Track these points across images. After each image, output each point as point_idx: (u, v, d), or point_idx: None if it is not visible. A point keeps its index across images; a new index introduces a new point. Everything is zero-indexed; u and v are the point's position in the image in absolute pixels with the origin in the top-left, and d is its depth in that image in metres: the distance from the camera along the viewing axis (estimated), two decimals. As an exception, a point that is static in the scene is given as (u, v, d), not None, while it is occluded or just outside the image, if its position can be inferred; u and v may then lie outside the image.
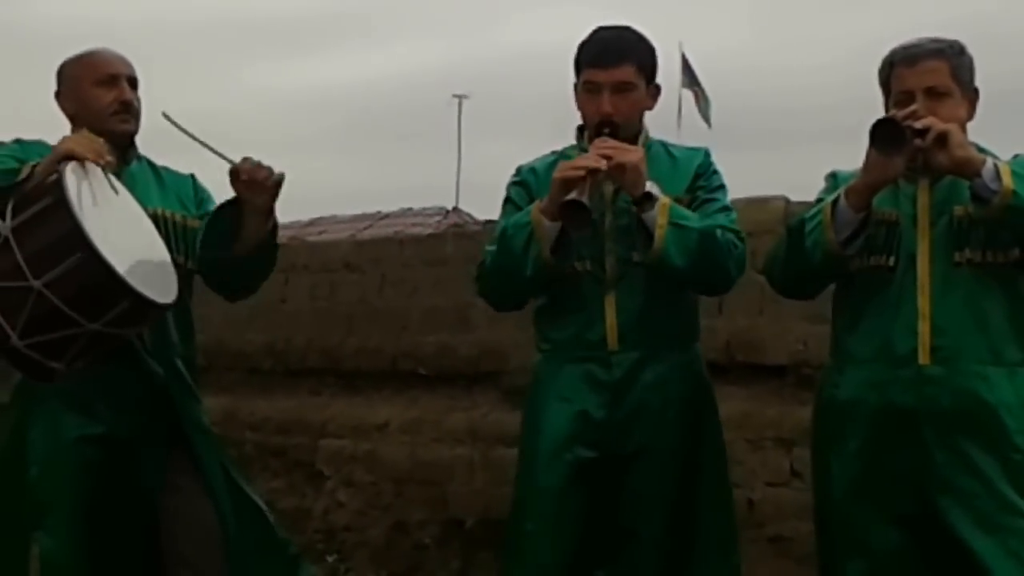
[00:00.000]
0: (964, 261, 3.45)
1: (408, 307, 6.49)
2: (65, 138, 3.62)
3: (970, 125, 3.56)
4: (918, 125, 3.35)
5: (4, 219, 3.39)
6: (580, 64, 3.76)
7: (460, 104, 30.51)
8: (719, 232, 3.64)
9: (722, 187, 3.80)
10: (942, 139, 3.32)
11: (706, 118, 28.55)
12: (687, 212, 3.65)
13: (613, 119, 3.67)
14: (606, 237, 3.69)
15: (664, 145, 3.83)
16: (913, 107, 3.41)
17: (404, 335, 6.51)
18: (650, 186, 3.60)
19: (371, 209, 11.52)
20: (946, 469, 3.41)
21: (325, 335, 6.76)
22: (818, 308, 5.50)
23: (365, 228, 10.51)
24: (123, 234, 3.50)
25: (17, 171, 3.48)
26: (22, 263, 3.35)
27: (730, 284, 3.83)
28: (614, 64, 3.70)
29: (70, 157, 3.47)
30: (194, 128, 3.70)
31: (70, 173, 3.41)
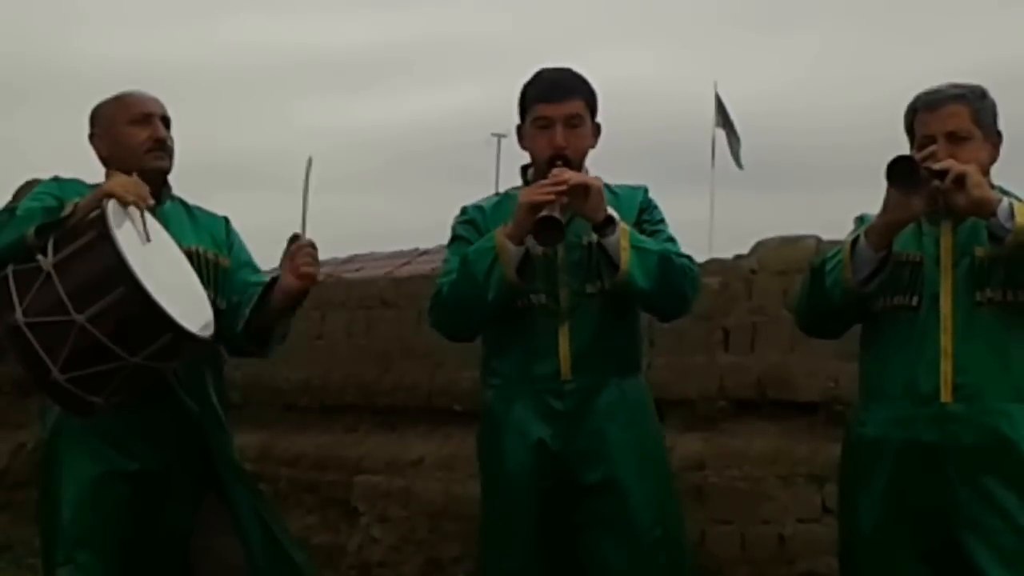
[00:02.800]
0: (986, 301, 3.49)
1: (444, 344, 6.45)
2: (109, 180, 3.69)
3: (996, 167, 3.61)
4: (936, 167, 3.40)
5: (46, 255, 3.45)
6: (528, 102, 3.84)
7: (499, 143, 30.66)
8: (675, 256, 3.76)
9: (663, 220, 3.90)
10: (960, 180, 3.37)
11: (736, 159, 28.62)
12: (644, 237, 3.76)
13: (565, 153, 3.75)
14: (559, 270, 3.76)
15: (605, 184, 3.86)
16: (932, 148, 3.47)
17: (439, 372, 6.56)
18: (610, 210, 3.70)
19: (409, 246, 11.58)
20: (969, 506, 3.44)
21: (361, 371, 6.81)
22: (849, 345, 5.50)
23: (402, 265, 10.54)
24: (162, 270, 3.55)
25: (59, 208, 3.54)
26: (64, 298, 3.39)
27: (687, 307, 3.93)
28: (565, 98, 3.80)
29: (112, 197, 3.53)
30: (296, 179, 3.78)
31: (112, 209, 3.48)
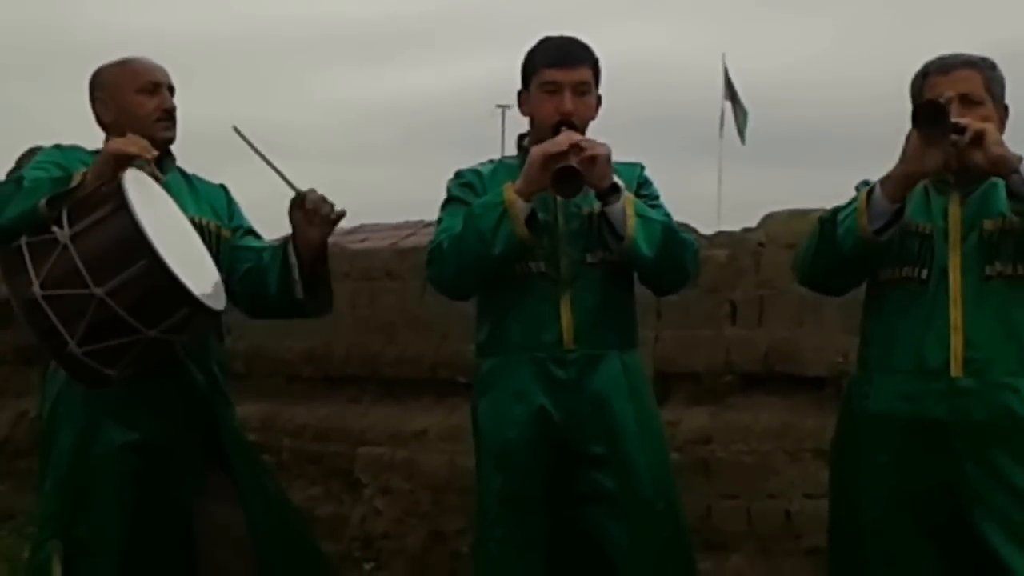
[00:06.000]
0: (995, 274, 3.44)
1: (448, 316, 6.47)
2: (113, 143, 3.64)
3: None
4: (958, 120, 3.35)
5: (61, 227, 3.40)
6: (535, 67, 3.80)
7: (503, 115, 30.62)
8: (677, 228, 3.78)
9: (659, 197, 3.89)
10: (979, 137, 3.32)
11: (741, 134, 28.55)
12: (647, 207, 3.74)
13: (572, 119, 3.72)
14: (559, 239, 3.75)
15: None
16: (950, 95, 3.43)
17: (444, 344, 6.51)
18: (615, 178, 3.67)
19: (414, 218, 11.52)
20: (977, 482, 3.40)
21: (365, 343, 6.76)
22: (858, 320, 5.49)
23: (407, 236, 10.47)
24: (175, 242, 3.52)
25: (67, 178, 3.50)
26: (83, 270, 3.35)
27: (687, 279, 3.92)
28: (576, 64, 3.77)
29: (120, 157, 3.48)
30: (259, 143, 3.73)
31: (128, 180, 3.43)
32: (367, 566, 6.20)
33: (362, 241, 9.83)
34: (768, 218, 6.02)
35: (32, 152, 8.18)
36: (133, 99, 3.84)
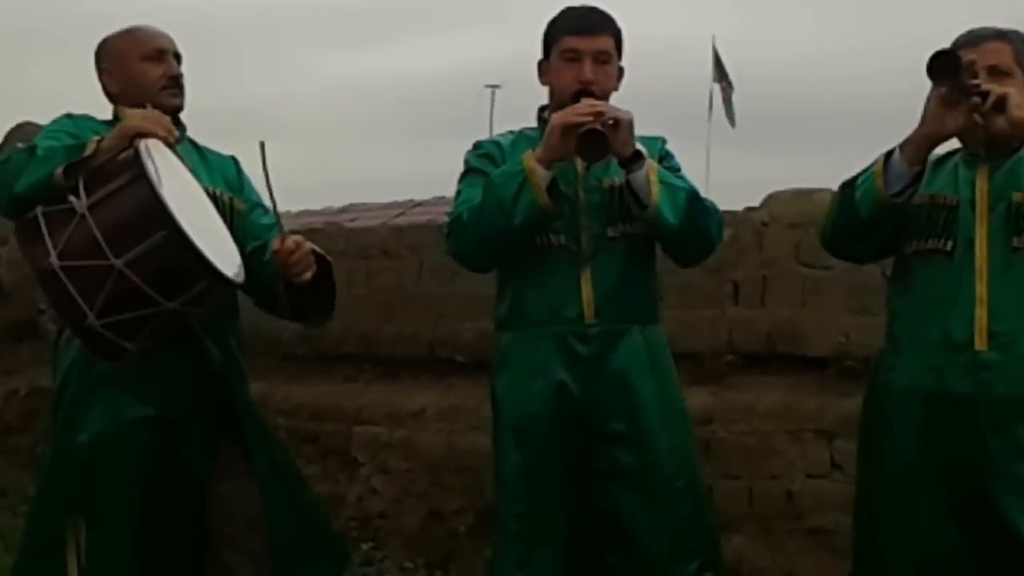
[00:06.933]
0: (1022, 246, 3.40)
1: (446, 294, 6.44)
2: (131, 115, 3.58)
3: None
4: (978, 84, 3.32)
5: (78, 196, 3.34)
6: (556, 35, 3.76)
7: (493, 94, 30.65)
8: (702, 196, 3.73)
9: (681, 169, 3.85)
10: (1001, 102, 3.29)
11: (730, 117, 28.46)
12: (670, 174, 3.70)
13: (592, 88, 3.68)
14: (580, 212, 3.70)
15: None
16: (971, 57, 3.40)
17: (442, 322, 6.47)
18: (638, 145, 3.63)
19: (401, 196, 11.50)
20: (1000, 456, 3.37)
21: (362, 321, 6.69)
22: (861, 300, 5.49)
23: (397, 215, 10.45)
24: (193, 213, 3.45)
25: (81, 147, 3.43)
26: (102, 241, 3.29)
27: (711, 249, 3.87)
28: (597, 32, 3.73)
29: (140, 135, 3.42)
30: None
31: (144, 150, 3.37)
32: (364, 546, 6.15)
33: (352, 220, 9.78)
34: (771, 197, 5.99)
35: (20, 128, 8.14)
36: (138, 67, 3.80)
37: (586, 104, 3.58)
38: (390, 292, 6.70)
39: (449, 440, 6.19)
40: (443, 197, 13.44)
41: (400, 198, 11.50)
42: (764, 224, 5.83)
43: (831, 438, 5.43)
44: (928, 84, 3.37)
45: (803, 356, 5.66)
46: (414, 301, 6.62)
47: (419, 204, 11.30)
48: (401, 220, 7.62)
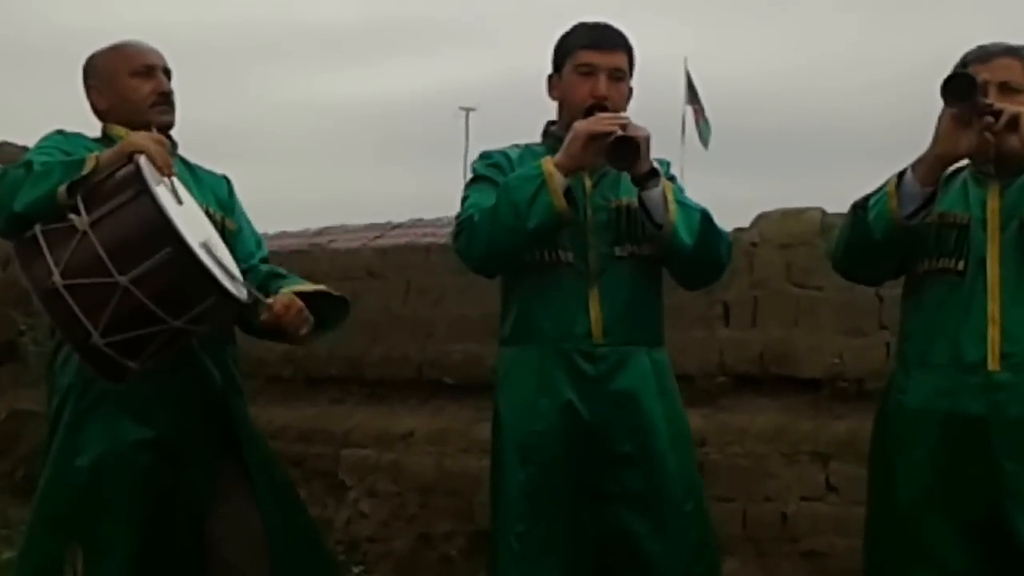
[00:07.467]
0: None
1: (433, 315, 6.40)
2: (135, 135, 3.52)
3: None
4: (991, 103, 3.30)
5: (79, 213, 3.27)
6: (570, 49, 3.74)
7: (467, 116, 30.76)
8: (713, 218, 3.69)
9: (684, 191, 3.80)
10: (1014, 122, 3.28)
11: (704, 140, 28.52)
12: (683, 195, 3.67)
13: (606, 104, 3.65)
14: (587, 231, 3.67)
15: None
16: (984, 78, 3.38)
17: (430, 343, 6.43)
18: (653, 163, 3.60)
19: (376, 218, 11.39)
20: (1013, 477, 3.34)
21: (348, 343, 6.64)
22: (854, 321, 5.48)
23: (376, 238, 10.35)
24: (194, 229, 3.39)
25: (81, 162, 3.36)
26: (105, 259, 3.22)
27: (721, 272, 3.86)
28: (613, 49, 3.71)
29: (139, 152, 3.36)
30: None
31: (144, 166, 3.31)
32: (356, 569, 6.09)
33: (330, 242, 9.72)
34: (761, 217, 5.97)
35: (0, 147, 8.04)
36: (127, 83, 3.74)
37: (610, 115, 3.56)
38: (377, 314, 6.64)
39: (438, 463, 6.14)
40: (420, 219, 13.39)
41: (375, 219, 11.39)
42: (754, 244, 5.82)
43: (826, 460, 5.41)
44: (925, 99, 3.37)
45: (796, 377, 5.64)
46: (401, 323, 6.58)
47: (398, 226, 11.18)
48: (382, 242, 7.55)
